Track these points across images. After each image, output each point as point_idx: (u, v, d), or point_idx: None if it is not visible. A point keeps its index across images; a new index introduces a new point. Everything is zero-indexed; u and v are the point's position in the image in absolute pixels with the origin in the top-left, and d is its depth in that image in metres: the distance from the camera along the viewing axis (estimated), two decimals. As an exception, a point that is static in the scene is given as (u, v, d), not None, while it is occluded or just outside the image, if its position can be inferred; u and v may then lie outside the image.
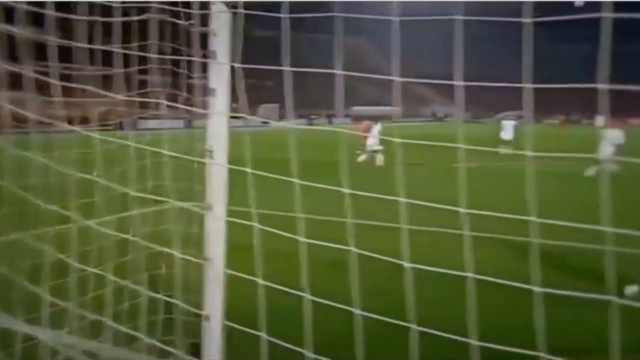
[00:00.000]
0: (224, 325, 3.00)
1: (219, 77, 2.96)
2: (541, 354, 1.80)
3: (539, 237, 1.83)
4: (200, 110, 3.04)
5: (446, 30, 2.04)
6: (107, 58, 3.62)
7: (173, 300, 3.43)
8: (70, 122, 3.93)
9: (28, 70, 3.66)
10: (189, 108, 3.53)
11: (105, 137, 3.90)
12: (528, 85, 1.88)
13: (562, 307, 4.83)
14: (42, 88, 3.70)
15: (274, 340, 2.55)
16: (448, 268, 2.18)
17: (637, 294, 6.21)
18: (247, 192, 2.69)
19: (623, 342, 1.81)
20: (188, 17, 3.16)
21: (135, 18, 3.59)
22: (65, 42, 3.51)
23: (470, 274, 1.98)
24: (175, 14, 3.29)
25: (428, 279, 2.42)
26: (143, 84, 4.20)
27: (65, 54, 3.59)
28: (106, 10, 3.44)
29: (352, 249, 2.28)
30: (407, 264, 2.10)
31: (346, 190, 2.32)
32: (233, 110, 3.00)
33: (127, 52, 3.55)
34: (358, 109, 77.57)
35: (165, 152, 3.58)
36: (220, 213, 3.01)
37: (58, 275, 3.71)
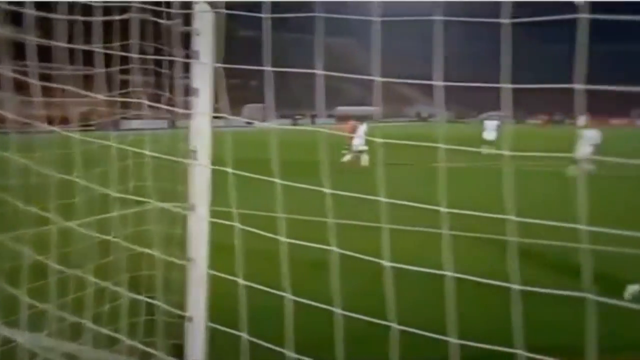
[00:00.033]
0: (207, 326, 2.99)
1: (202, 77, 2.95)
2: (519, 352, 1.81)
3: (517, 235, 1.85)
4: (183, 111, 3.03)
5: (431, 31, 2.05)
6: (88, 58, 3.59)
7: (154, 302, 3.41)
8: (50, 122, 3.89)
9: (6, 70, 3.62)
10: (170, 108, 3.51)
11: (86, 137, 3.86)
12: (506, 86, 1.90)
13: (553, 307, 4.90)
14: (22, 88, 3.66)
15: (255, 340, 2.55)
16: (432, 267, 2.19)
17: (638, 293, 6.27)
18: (230, 193, 2.68)
19: (618, 340, 1.83)
20: (170, 16, 3.14)
21: (117, 17, 3.56)
22: (44, 41, 3.47)
23: (449, 273, 1.99)
24: (158, 14, 3.27)
25: (414, 278, 2.43)
26: (125, 84, 4.16)
27: (45, 54, 3.56)
28: (87, 9, 3.41)
29: (334, 248, 2.29)
30: (386, 263, 2.11)
31: (327, 190, 2.32)
32: (215, 110, 2.99)
33: (108, 52, 3.52)
34: (342, 109, 77.69)
35: (147, 152, 3.56)
36: (203, 213, 3.00)
37: (38, 277, 3.67)
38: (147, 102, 3.76)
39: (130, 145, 3.75)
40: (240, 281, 2.61)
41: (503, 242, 2.19)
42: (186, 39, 2.99)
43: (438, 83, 1.99)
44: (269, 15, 2.39)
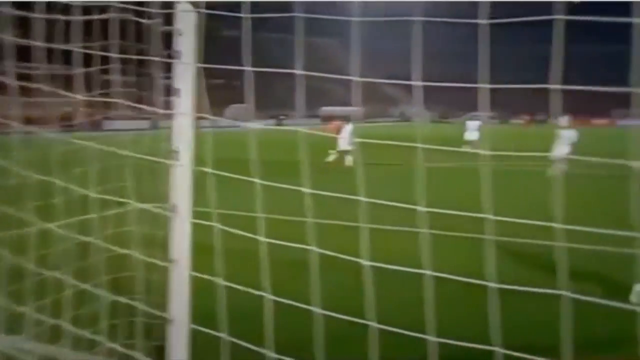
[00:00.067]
0: (190, 328, 2.98)
1: (184, 77, 2.94)
2: (496, 349, 1.83)
3: (496, 234, 1.86)
4: (165, 111, 3.02)
5: (423, 32, 2.06)
6: (69, 58, 3.56)
7: (135, 304, 3.39)
8: (29, 122, 3.85)
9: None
10: (151, 109, 3.49)
11: (67, 138, 3.82)
12: (483, 86, 1.92)
13: (547, 305, 4.92)
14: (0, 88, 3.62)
15: (235, 340, 2.54)
16: (416, 267, 2.20)
17: None
18: (211, 194, 2.67)
19: (608, 338, 1.85)
20: (152, 16, 3.13)
21: (96, 17, 3.54)
22: (23, 41, 3.44)
23: (427, 272, 2.01)
24: (139, 13, 3.25)
25: (398, 278, 2.44)
26: (106, 84, 4.13)
27: (24, 54, 3.52)
28: (68, 9, 3.38)
29: (313, 248, 2.29)
30: (365, 263, 2.12)
31: (306, 190, 2.33)
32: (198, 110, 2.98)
33: (87, 51, 3.49)
34: (327, 110, 77.74)
35: (126, 152, 3.54)
36: (185, 214, 2.99)
37: (16, 279, 3.63)
38: (127, 103, 3.74)
39: (112, 145, 3.72)
40: (220, 281, 2.60)
41: (488, 241, 2.20)
42: (168, 39, 2.97)
43: (417, 83, 2.01)
44: (249, 15, 2.39)
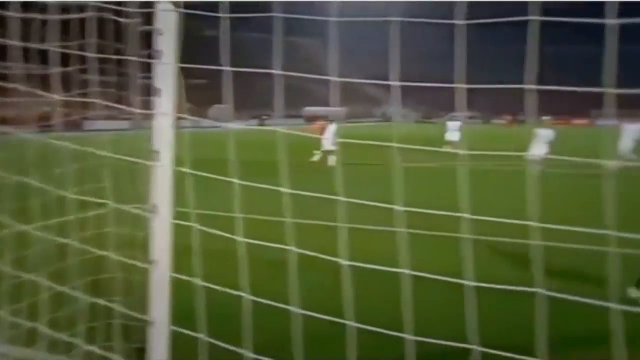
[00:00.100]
0: (171, 330, 2.96)
1: (165, 77, 2.92)
2: (473, 347, 1.85)
3: (471, 233, 1.88)
4: (146, 111, 2.99)
5: (405, 32, 2.07)
6: (46, 57, 3.51)
7: (115, 306, 3.36)
8: (5, 123, 3.80)
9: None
10: (130, 109, 3.46)
11: (44, 138, 3.78)
12: (458, 86, 1.93)
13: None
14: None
15: (213, 341, 2.53)
16: (396, 267, 2.20)
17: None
18: (193, 194, 2.66)
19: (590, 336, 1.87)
20: (131, 16, 3.10)
21: (74, 16, 3.50)
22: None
23: (406, 271, 2.02)
24: (119, 13, 3.22)
25: (383, 279, 2.44)
26: (85, 84, 4.09)
27: (0, 53, 3.47)
28: (45, 8, 3.34)
29: (292, 248, 2.29)
30: (344, 262, 2.12)
31: (285, 190, 2.33)
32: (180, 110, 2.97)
33: (64, 51, 3.45)
34: (310, 110, 77.76)
35: (105, 153, 3.50)
36: (166, 215, 2.97)
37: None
38: (105, 103, 3.70)
39: (92, 146, 3.68)
40: (198, 282, 2.59)
41: (473, 241, 2.22)
42: (148, 39, 2.95)
43: (394, 83, 2.02)
44: (227, 15, 2.39)
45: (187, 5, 2.78)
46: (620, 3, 1.70)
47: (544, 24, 1.84)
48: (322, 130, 23.49)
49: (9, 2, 3.28)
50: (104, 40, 3.68)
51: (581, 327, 5.30)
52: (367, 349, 2.28)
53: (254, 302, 2.50)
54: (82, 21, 3.52)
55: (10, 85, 3.50)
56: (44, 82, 3.62)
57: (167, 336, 2.96)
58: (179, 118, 3.01)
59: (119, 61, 3.85)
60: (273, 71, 2.30)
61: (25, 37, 3.42)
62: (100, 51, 3.62)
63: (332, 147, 22.73)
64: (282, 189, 2.34)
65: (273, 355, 2.50)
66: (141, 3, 3.01)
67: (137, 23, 3.08)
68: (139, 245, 3.36)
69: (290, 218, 2.26)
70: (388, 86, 2.12)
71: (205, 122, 4.39)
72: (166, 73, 2.90)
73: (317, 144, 23.20)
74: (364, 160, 18.70)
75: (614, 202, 1.88)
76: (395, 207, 2.03)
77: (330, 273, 4.15)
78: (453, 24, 2.04)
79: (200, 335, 2.57)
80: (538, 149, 18.17)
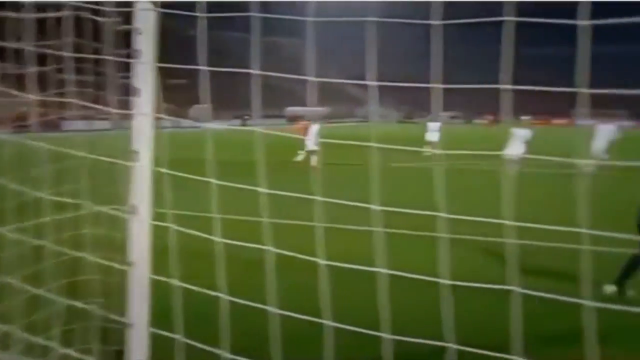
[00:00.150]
0: (150, 332, 2.93)
1: (144, 76, 2.89)
2: (450, 345, 1.86)
3: (447, 232, 1.89)
4: (125, 111, 2.97)
5: (388, 32, 2.08)
6: (21, 57, 3.47)
7: (92, 308, 3.32)
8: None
9: None
10: (108, 109, 3.43)
11: (20, 139, 3.73)
12: (434, 86, 1.95)
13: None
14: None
15: (190, 342, 2.52)
16: (375, 266, 2.21)
17: (615, 293, 6.45)
18: (172, 194, 2.65)
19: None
20: (109, 15, 3.07)
21: (51, 15, 3.46)
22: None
23: (383, 270, 2.02)
24: (97, 12, 3.19)
25: (360, 278, 2.44)
26: (61, 83, 4.04)
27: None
28: (20, 7, 3.30)
29: (270, 248, 2.29)
30: (321, 262, 2.12)
31: (263, 190, 2.32)
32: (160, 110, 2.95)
33: (40, 50, 3.41)
34: (292, 110, 77.74)
35: (81, 154, 3.47)
36: (145, 215, 2.94)
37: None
38: (82, 102, 3.66)
39: (69, 146, 3.64)
40: (176, 283, 2.58)
41: (451, 241, 2.23)
42: (126, 38, 2.92)
43: (372, 83, 2.02)
44: (204, 15, 2.38)
45: (165, 5, 2.76)
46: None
47: (530, 26, 1.86)
48: (305, 131, 23.48)
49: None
50: (82, 39, 3.64)
51: (560, 326, 5.36)
52: (346, 348, 2.29)
53: (232, 302, 2.49)
54: (59, 20, 3.48)
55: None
56: (19, 82, 3.57)
57: (147, 338, 2.93)
58: (158, 118, 2.99)
59: (97, 61, 3.81)
60: (250, 71, 2.29)
61: (0, 36, 3.37)
62: (77, 51, 3.58)
63: (315, 147, 22.73)
64: (259, 189, 2.33)
65: (251, 356, 2.50)
66: (119, 2, 2.99)
67: (115, 22, 3.05)
68: (118, 246, 3.33)
69: (267, 218, 2.26)
70: (371, 86, 2.12)
71: (185, 122, 4.37)
72: (145, 73, 2.88)
73: (301, 144, 23.20)
74: (346, 160, 18.75)
75: (588, 201, 1.90)
76: (372, 206, 2.04)
77: (309, 273, 4.16)
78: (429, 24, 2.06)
79: (177, 337, 2.55)
80: (515, 149, 18.32)
